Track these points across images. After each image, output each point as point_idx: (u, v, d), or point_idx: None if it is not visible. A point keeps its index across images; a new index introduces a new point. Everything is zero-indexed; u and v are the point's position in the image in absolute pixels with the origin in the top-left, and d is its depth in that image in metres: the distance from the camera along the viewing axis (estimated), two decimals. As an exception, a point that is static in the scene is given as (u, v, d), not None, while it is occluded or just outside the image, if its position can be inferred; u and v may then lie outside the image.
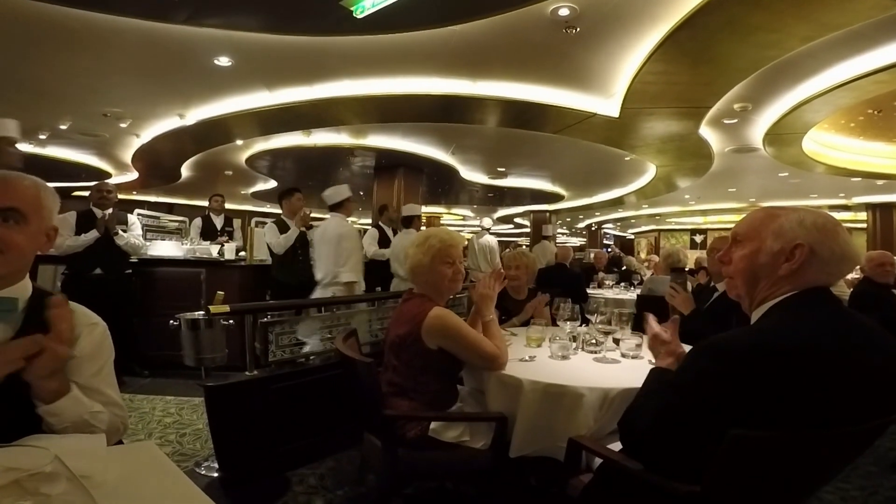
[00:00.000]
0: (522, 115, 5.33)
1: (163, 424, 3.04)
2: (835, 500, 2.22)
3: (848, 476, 2.38)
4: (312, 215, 4.91)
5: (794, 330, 0.98)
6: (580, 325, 2.21)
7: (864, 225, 11.82)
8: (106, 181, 4.40)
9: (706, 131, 5.93)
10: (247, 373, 2.34)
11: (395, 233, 5.54)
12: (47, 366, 0.94)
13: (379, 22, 3.42)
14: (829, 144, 7.19)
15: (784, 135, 5.87)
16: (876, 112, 5.74)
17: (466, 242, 7.42)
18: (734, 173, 8.60)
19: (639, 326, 2.06)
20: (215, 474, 2.33)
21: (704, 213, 15.28)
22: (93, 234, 3.73)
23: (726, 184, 9.91)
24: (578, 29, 3.59)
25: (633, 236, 23.31)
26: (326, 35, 3.79)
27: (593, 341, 2.10)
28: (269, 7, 3.41)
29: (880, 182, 8.83)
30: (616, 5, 3.32)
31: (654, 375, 1.32)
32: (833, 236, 1.04)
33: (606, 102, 5.06)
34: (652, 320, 1.49)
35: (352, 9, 3.25)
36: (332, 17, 3.41)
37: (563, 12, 3.36)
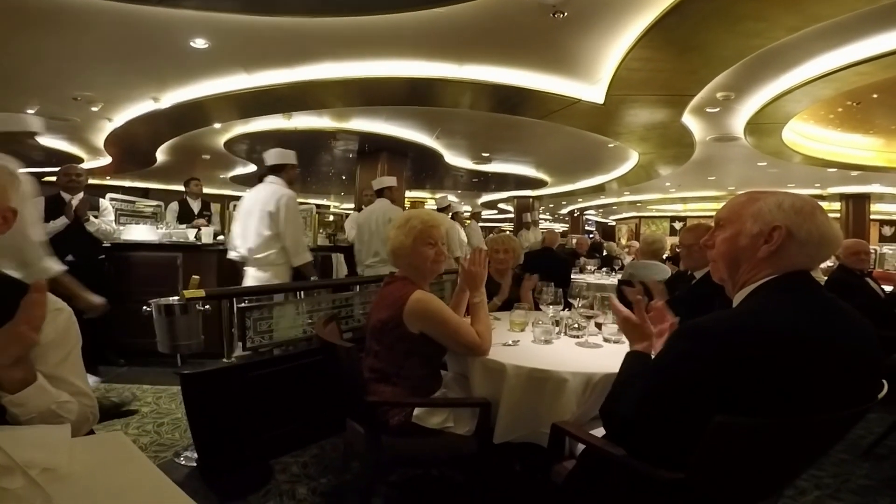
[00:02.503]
0: (508, 99, 5.29)
1: (140, 414, 2.97)
2: (809, 488, 2.26)
3: (821, 464, 2.43)
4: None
5: (774, 313, 0.98)
6: (563, 310, 2.21)
7: (838, 215, 12.14)
8: (74, 164, 4.23)
9: (689, 119, 5.97)
10: (224, 360, 2.29)
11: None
12: (13, 353, 0.88)
13: (363, 3, 3.34)
14: (807, 135, 7.31)
15: (765, 124, 5.95)
16: (855, 104, 5.84)
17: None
18: (714, 162, 8.71)
19: None
20: (195, 464, 2.29)
21: (684, 200, 15.50)
22: (62, 221, 3.59)
23: (706, 172, 10.05)
24: (566, 13, 3.54)
25: (614, 223, 23.59)
26: (308, 16, 3.66)
27: (576, 326, 2.11)
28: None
29: (854, 173, 9.05)
30: (604, -11, 3.29)
31: (632, 360, 1.32)
32: (810, 218, 1.04)
33: (592, 89, 5.04)
34: (616, 303, 1.49)
35: (335, -13, 3.16)
36: (313, -3, 3.31)
37: (552, -5, 3.31)
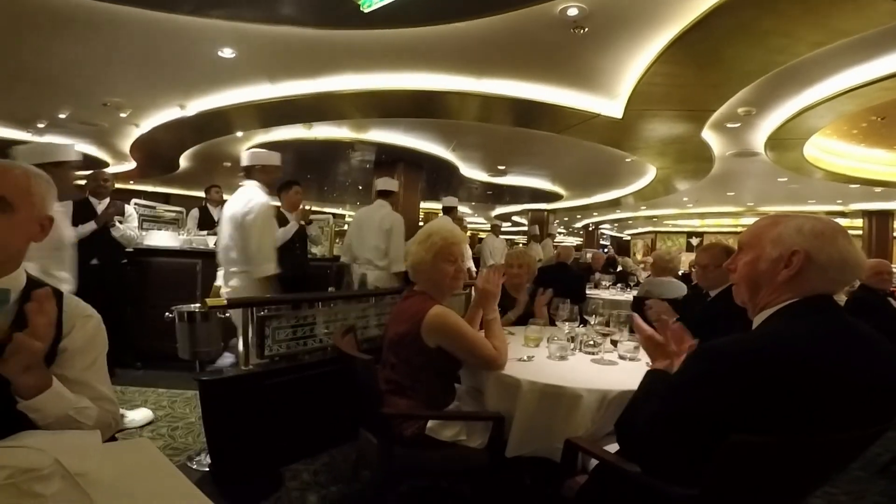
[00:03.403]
0: (526, 114, 5.31)
1: (155, 418, 3.02)
2: (822, 506, 2.23)
3: (836, 481, 2.40)
4: (312, 209, 4.91)
5: (793, 337, 0.98)
6: (578, 326, 2.20)
7: (860, 232, 11.88)
8: (103, 170, 4.36)
9: (708, 135, 5.93)
10: (243, 367, 2.33)
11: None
12: (21, 361, 0.89)
13: (385, 17, 3.39)
14: (829, 150, 7.20)
15: (786, 140, 5.87)
16: (879, 119, 5.74)
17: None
18: (733, 177, 8.61)
19: None
20: (207, 469, 2.32)
21: (702, 216, 15.32)
22: (90, 227, 3.70)
23: (725, 187, 9.94)
24: (587, 29, 3.56)
25: (629, 237, 23.37)
26: (332, 28, 3.75)
27: (591, 342, 2.11)
28: (277, -2, 3.37)
29: (878, 189, 8.86)
30: (626, 6, 3.29)
31: (652, 377, 1.32)
32: (831, 242, 1.04)
33: (611, 103, 5.05)
34: (640, 321, 1.50)
35: (359, 3, 3.22)
36: (339, 11, 3.37)
37: (572, 12, 3.33)
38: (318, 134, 6.76)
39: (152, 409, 3.12)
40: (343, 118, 5.93)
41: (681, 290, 4.08)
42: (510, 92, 4.86)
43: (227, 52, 4.22)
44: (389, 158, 7.87)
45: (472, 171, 9.12)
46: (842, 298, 3.91)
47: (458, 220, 6.32)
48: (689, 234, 19.40)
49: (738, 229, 15.90)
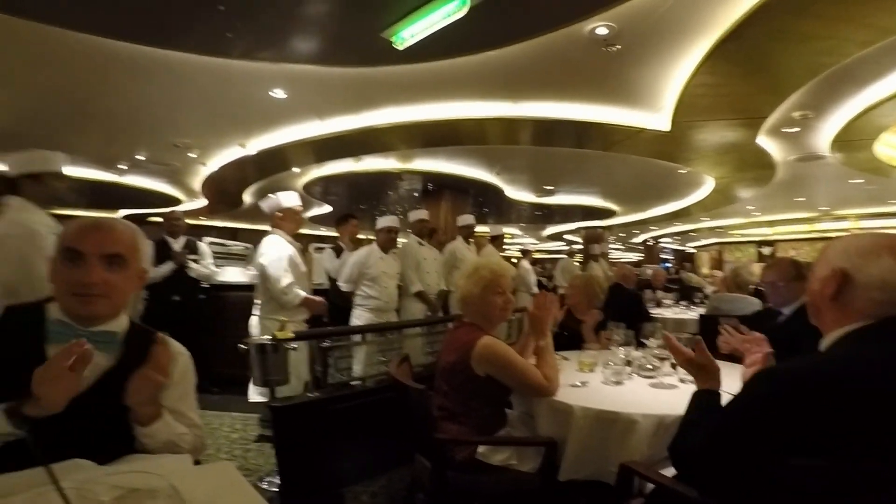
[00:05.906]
0: (569, 134, 5.32)
1: (229, 440, 3.23)
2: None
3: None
4: (359, 237, 5.13)
5: (859, 361, 0.94)
6: (635, 350, 2.17)
7: (957, 232, 10.75)
8: (174, 210, 4.74)
9: (765, 141, 5.67)
10: (309, 394, 2.47)
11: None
12: (146, 392, 1.07)
13: (419, 51, 3.53)
14: (907, 148, 6.65)
15: (854, 141, 5.51)
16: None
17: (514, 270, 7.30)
18: (801, 182, 8.11)
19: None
20: (277, 489, 2.45)
21: (771, 223, 14.38)
22: (169, 267, 4.07)
23: (793, 193, 9.34)
24: (619, 46, 3.57)
25: (693, 250, 22.24)
26: (370, 66, 3.95)
27: (649, 366, 2.07)
28: (315, 40, 3.60)
29: (971, 185, 8.05)
30: (656, 21, 3.28)
31: (699, 399, 1.30)
32: (874, 260, 0.98)
33: (655, 117, 4.97)
34: (675, 342, 1.45)
35: (392, 41, 3.39)
36: (374, 49, 3.54)
37: (602, 31, 3.36)
38: (367, 166, 7.03)
39: (227, 431, 3.34)
40: (388, 150, 6.16)
41: (753, 305, 3.79)
42: (549, 114, 4.90)
43: (278, 93, 4.52)
44: (435, 186, 8.04)
45: (518, 193, 9.11)
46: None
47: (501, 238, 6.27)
48: (760, 244, 18.14)
49: (815, 235, 14.76)
